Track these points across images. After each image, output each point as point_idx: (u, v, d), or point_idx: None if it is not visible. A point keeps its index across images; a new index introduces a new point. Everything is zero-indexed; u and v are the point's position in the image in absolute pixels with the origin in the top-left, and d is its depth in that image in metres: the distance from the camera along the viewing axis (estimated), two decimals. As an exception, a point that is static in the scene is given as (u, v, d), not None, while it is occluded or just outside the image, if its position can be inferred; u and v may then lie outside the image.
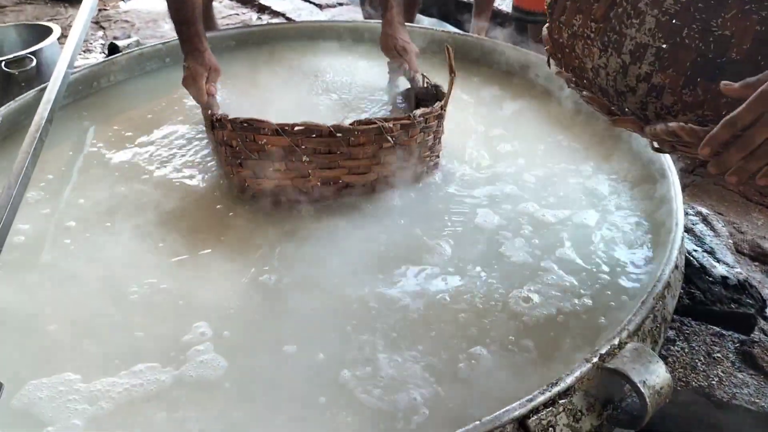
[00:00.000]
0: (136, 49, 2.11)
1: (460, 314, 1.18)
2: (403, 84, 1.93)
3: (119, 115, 1.87)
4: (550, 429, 0.85)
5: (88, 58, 3.05)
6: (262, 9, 3.66)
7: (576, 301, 1.22)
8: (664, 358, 1.32)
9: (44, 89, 1.65)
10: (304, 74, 2.10)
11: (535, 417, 0.85)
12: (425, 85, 1.74)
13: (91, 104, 1.94)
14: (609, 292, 1.25)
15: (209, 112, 1.52)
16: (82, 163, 1.63)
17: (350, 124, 1.38)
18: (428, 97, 1.70)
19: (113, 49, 2.18)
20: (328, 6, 3.56)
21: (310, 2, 3.40)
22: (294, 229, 1.41)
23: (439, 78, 1.71)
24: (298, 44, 2.33)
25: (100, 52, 3.24)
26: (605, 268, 1.31)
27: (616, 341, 0.94)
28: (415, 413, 0.98)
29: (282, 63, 2.21)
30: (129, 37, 3.03)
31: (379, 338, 1.12)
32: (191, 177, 1.59)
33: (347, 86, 2.02)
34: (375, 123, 1.39)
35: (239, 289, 1.24)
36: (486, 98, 2.01)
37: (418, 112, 1.46)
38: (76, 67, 1.87)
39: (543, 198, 1.53)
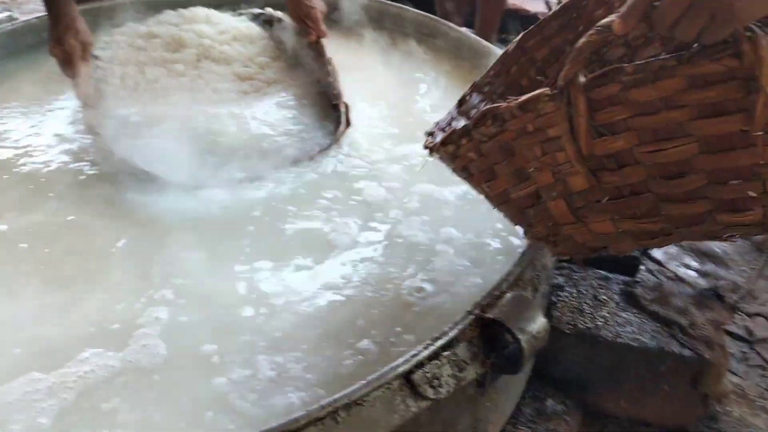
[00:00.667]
0: (7, 24, 1.95)
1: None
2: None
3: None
4: (435, 381, 0.88)
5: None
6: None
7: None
8: (552, 304, 1.38)
9: None
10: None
11: (420, 371, 0.88)
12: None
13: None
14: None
15: None
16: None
17: None
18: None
19: None
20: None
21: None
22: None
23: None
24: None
25: None
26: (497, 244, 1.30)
27: (496, 292, 0.98)
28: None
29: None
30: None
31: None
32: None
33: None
34: None
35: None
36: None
37: None
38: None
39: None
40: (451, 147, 1.01)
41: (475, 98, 1.24)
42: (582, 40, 0.79)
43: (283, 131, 1.57)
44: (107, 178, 1.41)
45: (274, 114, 1.62)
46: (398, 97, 1.76)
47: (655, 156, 0.79)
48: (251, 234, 1.29)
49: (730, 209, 0.80)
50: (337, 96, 1.62)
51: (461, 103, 1.24)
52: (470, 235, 1.30)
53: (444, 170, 1.08)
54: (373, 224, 1.32)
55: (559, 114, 0.83)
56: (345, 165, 1.49)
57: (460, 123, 1.20)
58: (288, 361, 1.04)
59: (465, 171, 1.02)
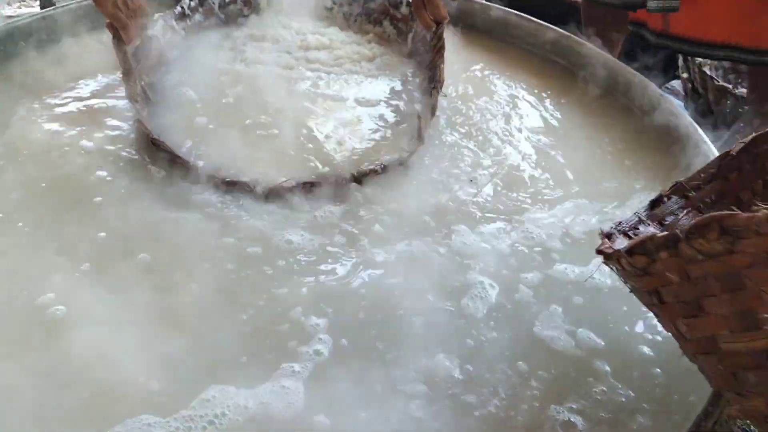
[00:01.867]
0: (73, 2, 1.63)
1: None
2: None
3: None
4: None
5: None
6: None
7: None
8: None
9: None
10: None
11: None
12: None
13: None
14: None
15: None
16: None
17: None
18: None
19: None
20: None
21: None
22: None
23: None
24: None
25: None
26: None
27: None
28: None
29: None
30: None
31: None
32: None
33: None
34: None
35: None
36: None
37: None
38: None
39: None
40: (642, 259, 0.72)
41: (676, 202, 0.96)
42: None
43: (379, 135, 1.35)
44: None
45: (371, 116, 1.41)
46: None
47: None
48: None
49: None
50: (434, 85, 1.39)
51: (655, 204, 0.96)
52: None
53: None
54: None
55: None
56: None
57: (651, 230, 0.94)
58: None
59: (654, 295, 0.74)
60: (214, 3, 1.61)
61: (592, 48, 1.59)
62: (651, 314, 0.86)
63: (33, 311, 0.92)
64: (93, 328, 0.89)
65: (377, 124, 1.37)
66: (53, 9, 1.60)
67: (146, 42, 1.40)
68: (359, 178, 1.18)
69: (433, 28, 1.46)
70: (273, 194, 1.14)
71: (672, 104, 1.42)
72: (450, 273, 1.05)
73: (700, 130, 1.30)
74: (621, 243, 0.88)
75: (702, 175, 0.97)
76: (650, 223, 0.94)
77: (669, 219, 0.95)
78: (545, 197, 1.25)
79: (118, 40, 1.30)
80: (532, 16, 1.73)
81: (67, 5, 1.61)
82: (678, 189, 0.96)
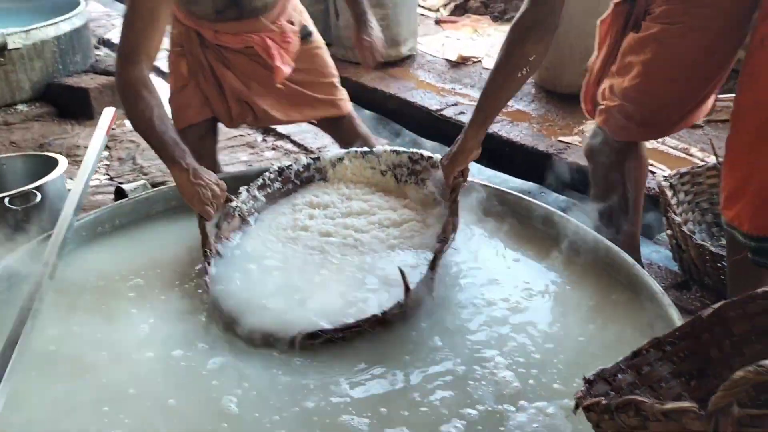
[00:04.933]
0: (143, 194, 1.93)
1: None
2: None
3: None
4: None
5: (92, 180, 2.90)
6: (267, 130, 3.60)
7: None
8: None
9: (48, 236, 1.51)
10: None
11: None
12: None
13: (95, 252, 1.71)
14: None
15: None
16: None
17: None
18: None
19: (119, 193, 2.13)
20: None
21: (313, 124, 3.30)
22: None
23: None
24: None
25: (104, 174, 3.22)
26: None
27: None
28: None
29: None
30: (134, 165, 3.08)
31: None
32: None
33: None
34: None
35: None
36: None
37: None
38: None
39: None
40: (593, 416, 0.91)
41: (654, 355, 1.09)
42: (740, 373, 0.74)
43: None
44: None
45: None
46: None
47: None
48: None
49: None
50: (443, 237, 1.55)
51: (636, 355, 1.09)
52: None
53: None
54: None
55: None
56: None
57: (628, 378, 1.07)
58: None
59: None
60: (291, 172, 1.87)
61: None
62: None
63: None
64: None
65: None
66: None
67: (228, 213, 1.67)
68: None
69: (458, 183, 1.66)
70: None
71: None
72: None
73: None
74: (601, 388, 1.03)
75: (677, 333, 1.10)
76: (629, 371, 1.07)
77: (645, 369, 1.07)
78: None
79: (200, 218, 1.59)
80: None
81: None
82: (656, 344, 1.09)
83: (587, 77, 2.17)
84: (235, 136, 3.53)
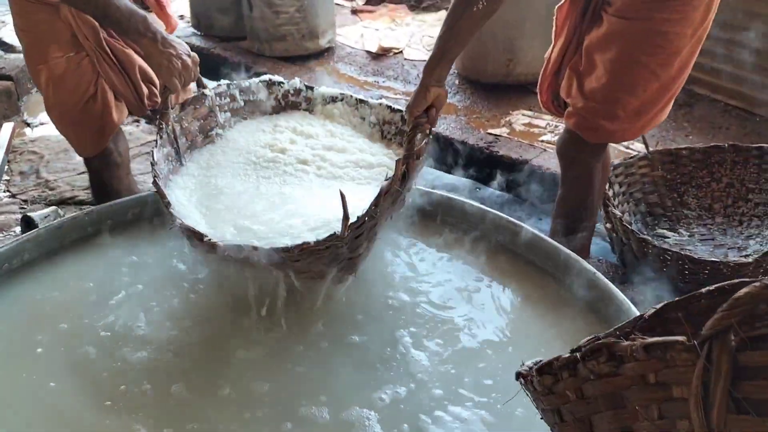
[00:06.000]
0: (54, 222, 1.76)
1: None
2: None
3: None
4: None
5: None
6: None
7: None
8: None
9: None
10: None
11: None
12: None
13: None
14: None
15: None
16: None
17: None
18: None
19: (28, 222, 1.95)
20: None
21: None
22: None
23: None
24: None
25: (4, 191, 2.86)
26: None
27: None
28: None
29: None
30: (38, 179, 2.73)
31: None
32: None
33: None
34: None
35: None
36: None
37: None
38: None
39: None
40: (549, 379, 0.84)
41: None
42: (745, 289, 0.63)
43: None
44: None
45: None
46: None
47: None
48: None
49: None
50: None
51: (578, 349, 1.07)
52: None
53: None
54: None
55: (693, 371, 0.67)
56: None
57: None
58: None
59: (556, 415, 0.84)
60: (280, 90, 1.80)
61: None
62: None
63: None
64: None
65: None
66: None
67: (199, 98, 1.58)
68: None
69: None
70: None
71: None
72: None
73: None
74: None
75: (617, 332, 1.09)
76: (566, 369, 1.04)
77: None
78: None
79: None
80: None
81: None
82: (596, 339, 1.08)
83: (544, 67, 2.07)
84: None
